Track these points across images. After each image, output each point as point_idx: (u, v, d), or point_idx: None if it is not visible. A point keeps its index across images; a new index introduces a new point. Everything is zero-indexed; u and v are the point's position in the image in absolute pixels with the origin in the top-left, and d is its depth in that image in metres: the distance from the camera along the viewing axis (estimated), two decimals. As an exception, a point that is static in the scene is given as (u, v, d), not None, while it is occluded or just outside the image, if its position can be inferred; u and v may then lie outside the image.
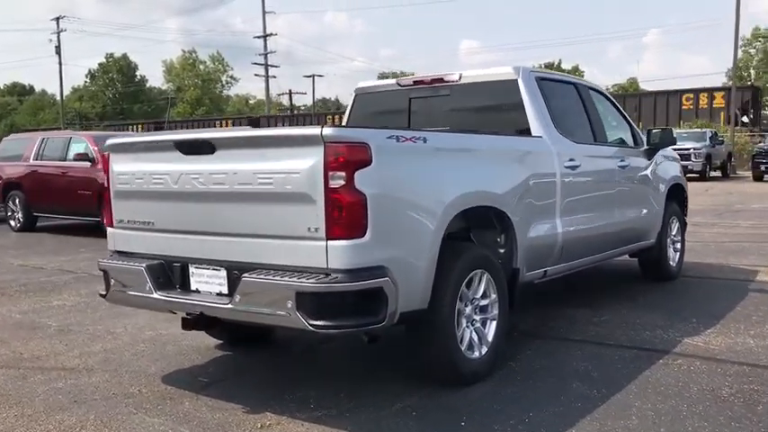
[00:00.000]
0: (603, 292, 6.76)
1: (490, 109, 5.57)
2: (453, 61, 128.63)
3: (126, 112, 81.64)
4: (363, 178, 3.45)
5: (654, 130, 6.79)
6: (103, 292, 4.45)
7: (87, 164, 12.36)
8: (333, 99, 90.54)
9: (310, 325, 3.44)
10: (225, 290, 3.91)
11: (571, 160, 5.31)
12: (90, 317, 6.29)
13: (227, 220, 3.83)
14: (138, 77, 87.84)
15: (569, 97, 5.80)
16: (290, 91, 59.18)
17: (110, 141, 4.40)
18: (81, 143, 12.90)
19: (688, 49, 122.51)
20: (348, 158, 3.43)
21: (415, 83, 5.79)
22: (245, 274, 3.66)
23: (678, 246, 7.55)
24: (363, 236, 3.47)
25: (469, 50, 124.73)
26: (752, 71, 71.15)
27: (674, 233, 7.40)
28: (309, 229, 3.51)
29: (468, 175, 4.23)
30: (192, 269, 4.05)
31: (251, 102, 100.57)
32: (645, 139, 6.78)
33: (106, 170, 4.43)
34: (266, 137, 3.74)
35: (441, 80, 5.62)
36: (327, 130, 3.41)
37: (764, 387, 4.09)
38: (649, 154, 6.76)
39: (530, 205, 4.78)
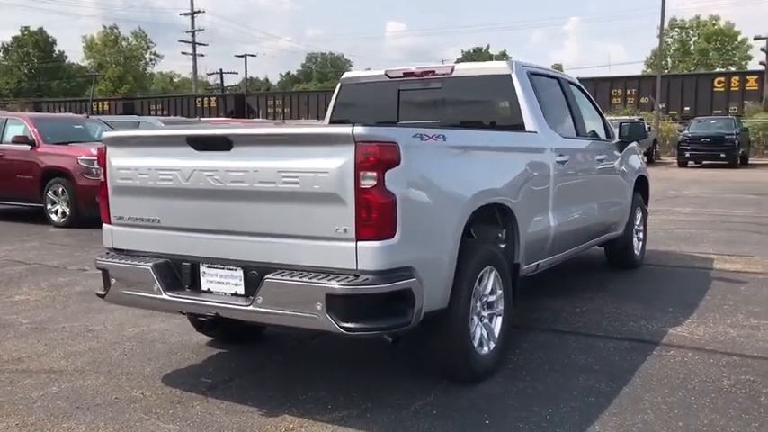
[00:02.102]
0: (574, 282, 6.92)
1: (482, 103, 5.59)
2: (380, 44, 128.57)
3: (43, 89, 78.10)
4: (393, 178, 3.41)
5: (624, 124, 6.96)
6: (101, 292, 4.26)
7: (27, 147, 11.80)
8: (262, 79, 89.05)
9: (341, 327, 3.39)
10: (241, 290, 3.80)
11: (561, 155, 5.39)
12: (61, 313, 6.02)
13: (244, 219, 3.72)
14: (57, 53, 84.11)
15: (554, 92, 5.88)
16: (220, 71, 57.74)
17: (107, 134, 4.20)
18: (19, 125, 12.30)
19: (605, 38, 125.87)
20: (379, 158, 3.38)
21: (405, 74, 5.74)
22: (269, 275, 3.57)
23: (641, 235, 7.81)
24: (393, 237, 3.43)
25: (396, 33, 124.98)
26: (668, 60, 73.79)
27: (637, 223, 7.64)
28: (338, 229, 3.45)
29: (482, 172, 4.25)
30: (203, 269, 3.92)
31: (175, 80, 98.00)
32: (616, 132, 6.95)
33: (102, 164, 4.22)
34: (291, 135, 3.64)
35: (432, 73, 5.60)
36: (359, 129, 3.35)
37: (759, 378, 4.28)
38: (620, 147, 6.94)
39: (529, 200, 4.84)
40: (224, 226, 3.80)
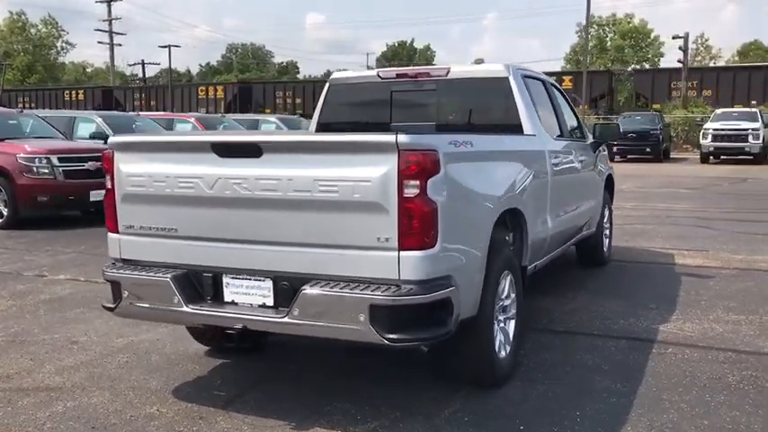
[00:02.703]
0: (553, 281, 7.01)
1: (478, 106, 5.60)
2: (300, 36, 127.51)
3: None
4: (434, 186, 3.38)
5: (599, 124, 7.12)
6: (110, 305, 4.05)
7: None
8: (183, 70, 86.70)
9: (386, 339, 3.34)
10: (269, 302, 3.69)
11: (555, 157, 5.47)
12: (35, 324, 5.70)
13: (275, 228, 3.60)
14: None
15: (542, 94, 5.95)
16: (142, 61, 55.95)
17: (115, 139, 3.99)
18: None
19: (524, 34, 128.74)
20: (422, 166, 3.33)
21: (398, 75, 5.70)
22: (306, 287, 3.47)
23: (607, 232, 8.03)
24: (434, 246, 3.39)
25: (317, 25, 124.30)
26: (587, 56, 76.11)
27: (605, 221, 7.85)
28: (379, 239, 3.38)
29: (502, 176, 4.26)
30: (226, 279, 3.78)
31: (88, 70, 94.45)
32: (591, 132, 7.11)
33: (109, 170, 4.00)
34: (330, 142, 3.54)
35: (426, 74, 5.58)
36: (402, 138, 3.29)
37: (760, 373, 4.46)
38: (594, 147, 7.10)
39: (535, 203, 4.89)
40: (251, 235, 3.67)
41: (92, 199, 11.27)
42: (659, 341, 5.10)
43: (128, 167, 3.92)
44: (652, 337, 5.21)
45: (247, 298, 3.74)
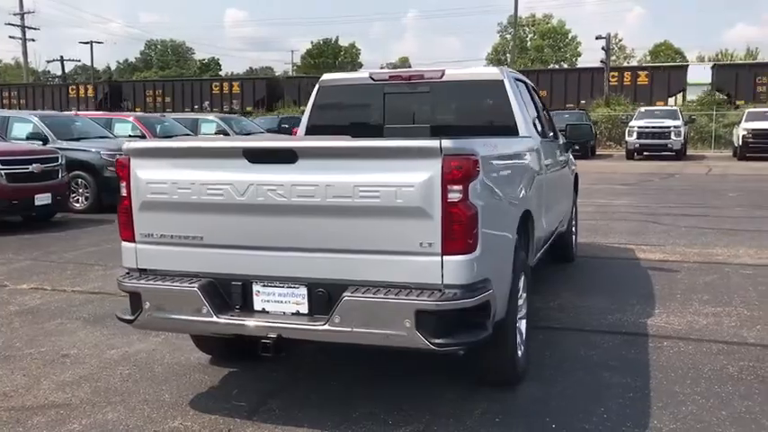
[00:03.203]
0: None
1: (473, 108, 5.65)
2: (221, 33, 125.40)
3: None
4: (474, 191, 3.40)
5: (572, 125, 7.31)
6: (128, 317, 3.90)
7: None
8: (103, 67, 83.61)
9: (432, 344, 3.34)
10: (304, 309, 3.63)
11: (546, 158, 5.59)
12: (15, 337, 5.43)
13: (311, 235, 3.55)
14: None
15: (527, 95, 6.06)
16: (61, 57, 53.74)
17: (131, 145, 3.84)
18: None
19: (444, 33, 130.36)
20: (465, 171, 3.35)
21: (391, 77, 5.69)
22: (348, 293, 3.43)
23: (574, 229, 8.25)
24: (475, 250, 3.42)
25: (238, 21, 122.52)
26: (508, 55, 77.83)
27: (572, 218, 8.07)
28: (422, 244, 3.38)
29: (518, 179, 4.33)
30: (256, 287, 3.70)
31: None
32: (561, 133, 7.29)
33: (124, 177, 3.85)
34: (371, 148, 3.51)
35: (420, 76, 5.59)
36: (446, 142, 3.31)
37: (755, 363, 4.68)
38: (567, 147, 7.28)
39: (537, 203, 4.99)
40: (285, 242, 3.60)
41: (37, 203, 10.83)
42: (652, 335, 5.29)
43: (147, 174, 3.78)
44: (643, 331, 5.40)
45: (280, 306, 3.67)
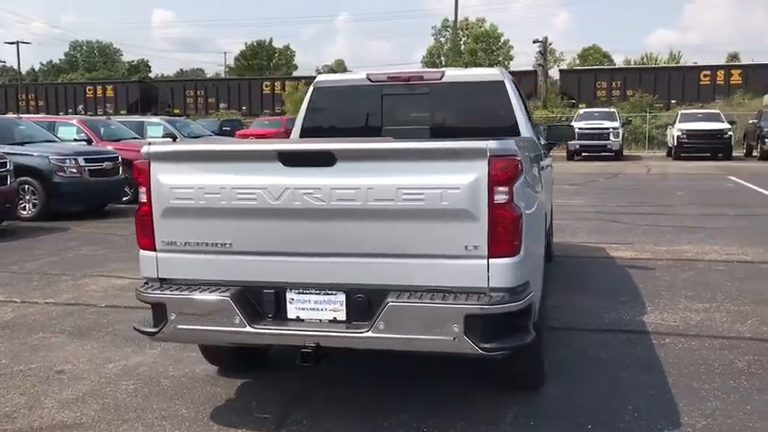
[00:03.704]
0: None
1: (474, 109, 5.63)
2: (148, 34, 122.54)
3: None
4: (518, 192, 3.37)
5: (554, 126, 7.39)
6: (150, 329, 3.70)
7: None
8: (27, 69, 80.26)
9: (481, 348, 3.29)
10: (341, 316, 3.52)
11: (543, 158, 5.62)
12: (-1, 353, 5.12)
13: (350, 239, 3.44)
14: None
15: (520, 96, 6.08)
16: (-18, 58, 51.29)
17: (154, 149, 3.65)
18: None
19: (376, 36, 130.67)
20: (510, 172, 3.31)
21: (390, 79, 5.61)
22: (392, 299, 3.34)
23: (551, 229, 8.34)
24: (520, 252, 3.39)
25: (166, 22, 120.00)
26: (443, 58, 78.65)
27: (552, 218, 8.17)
28: (467, 247, 3.33)
29: (541, 180, 4.33)
30: (290, 295, 3.57)
31: None
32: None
33: (143, 183, 3.66)
34: (414, 149, 3.42)
35: (420, 78, 5.54)
36: (493, 144, 3.27)
37: (759, 356, 4.81)
38: (549, 148, 7.35)
39: (546, 204, 5.00)
40: (322, 247, 3.48)
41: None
42: (653, 332, 5.37)
43: (170, 179, 3.60)
44: (643, 328, 5.48)
45: (316, 313, 3.55)
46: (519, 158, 3.39)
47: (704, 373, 4.52)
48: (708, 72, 38.48)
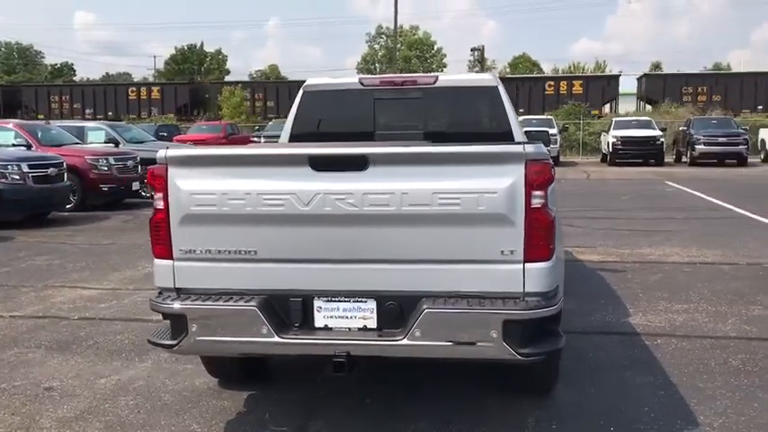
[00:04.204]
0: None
1: (467, 114, 5.62)
2: (70, 36, 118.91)
3: None
4: (550, 197, 3.38)
5: (533, 131, 7.45)
6: (167, 342, 3.52)
7: None
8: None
9: (519, 354, 3.27)
10: (372, 324, 3.44)
11: (533, 164, 5.66)
12: (-25, 371, 4.81)
13: (382, 245, 3.37)
14: None
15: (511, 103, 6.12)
16: None
17: (172, 152, 3.48)
18: None
19: (308, 42, 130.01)
20: (545, 176, 3.32)
21: (382, 83, 5.56)
22: (427, 305, 3.28)
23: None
24: (552, 257, 3.39)
25: (88, 24, 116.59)
26: (377, 65, 79.00)
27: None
28: (503, 251, 3.30)
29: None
30: (318, 303, 3.46)
31: None
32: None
33: (159, 189, 3.50)
34: (450, 153, 3.37)
35: (413, 82, 5.51)
36: (530, 148, 3.26)
37: (752, 356, 4.95)
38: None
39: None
40: (352, 254, 3.40)
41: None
42: (643, 334, 5.48)
43: (190, 185, 3.44)
44: (632, 330, 5.58)
45: (345, 322, 3.46)
46: (552, 163, 3.39)
47: (704, 372, 4.62)
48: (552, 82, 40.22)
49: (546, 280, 3.36)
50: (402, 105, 5.63)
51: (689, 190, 17.22)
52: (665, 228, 11.08)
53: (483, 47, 37.88)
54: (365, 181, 3.31)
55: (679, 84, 39.09)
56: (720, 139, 26.47)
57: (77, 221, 12.50)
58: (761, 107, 37.25)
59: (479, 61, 36.95)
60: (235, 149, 3.63)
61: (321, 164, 3.34)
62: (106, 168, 14.09)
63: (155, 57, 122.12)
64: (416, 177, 3.30)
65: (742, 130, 27.67)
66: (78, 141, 15.74)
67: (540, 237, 3.31)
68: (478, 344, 3.28)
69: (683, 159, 28.23)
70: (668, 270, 7.88)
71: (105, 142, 16.58)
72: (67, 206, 13.27)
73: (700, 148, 26.56)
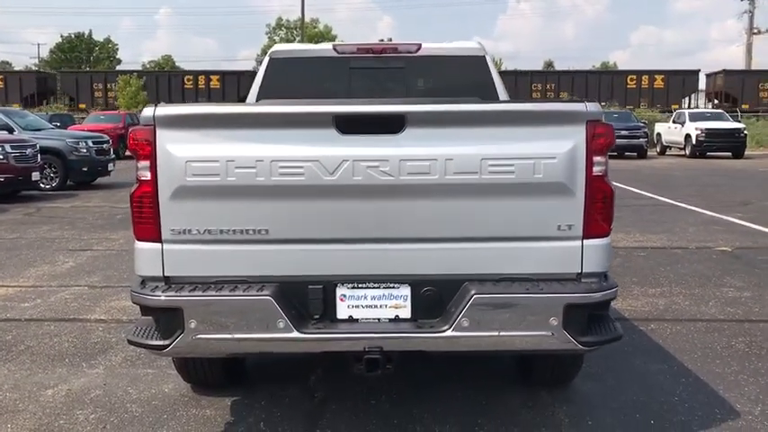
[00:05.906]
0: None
1: (452, 86, 5.15)
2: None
3: None
4: (608, 164, 2.99)
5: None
6: (157, 342, 2.89)
7: None
8: None
9: (581, 343, 2.86)
10: (405, 313, 2.94)
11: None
12: None
13: (419, 222, 2.87)
14: None
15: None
16: None
17: (161, 111, 2.83)
18: None
19: (199, 32, 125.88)
20: (608, 140, 2.91)
21: (360, 50, 5.01)
22: (475, 290, 2.81)
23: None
24: (609, 233, 3.01)
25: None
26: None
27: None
28: (560, 227, 2.89)
29: None
30: (342, 291, 2.93)
31: None
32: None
33: (144, 156, 2.85)
34: (503, 112, 2.90)
35: (394, 50, 5.00)
36: (591, 106, 2.86)
37: (752, 338, 4.77)
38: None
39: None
40: (384, 232, 2.88)
41: None
42: (633, 319, 5.24)
43: (186, 150, 2.82)
44: (621, 315, 5.32)
45: (373, 311, 2.94)
46: (612, 125, 3.00)
47: (715, 357, 4.40)
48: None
49: (604, 259, 2.97)
50: (381, 75, 5.11)
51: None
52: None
53: (390, 39, 37.52)
54: (402, 145, 2.81)
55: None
56: (622, 132, 27.26)
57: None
58: (644, 104, 39.15)
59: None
60: (243, 107, 3.02)
61: (349, 125, 2.81)
62: (2, 157, 12.77)
63: (38, 44, 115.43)
64: (462, 141, 2.83)
65: (641, 124, 28.67)
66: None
67: (601, 209, 2.91)
68: (536, 333, 2.84)
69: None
70: (624, 255, 7.73)
71: (-3, 129, 15.06)
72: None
73: (603, 141, 27.30)
